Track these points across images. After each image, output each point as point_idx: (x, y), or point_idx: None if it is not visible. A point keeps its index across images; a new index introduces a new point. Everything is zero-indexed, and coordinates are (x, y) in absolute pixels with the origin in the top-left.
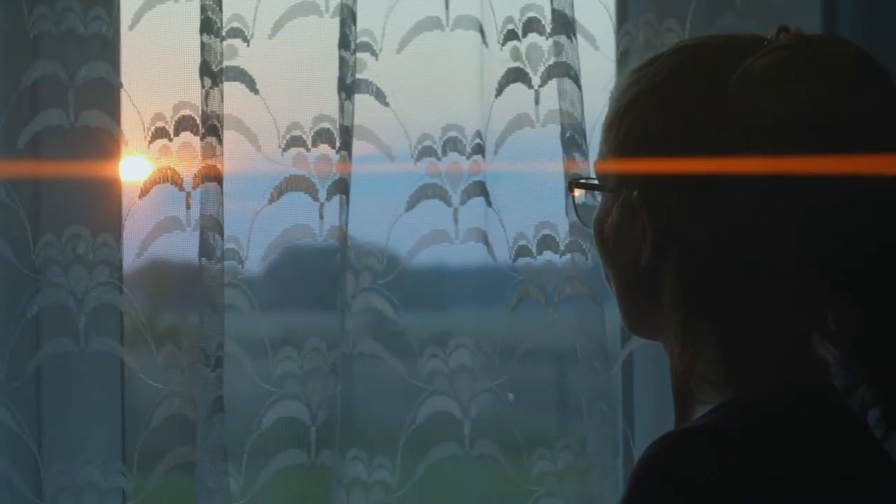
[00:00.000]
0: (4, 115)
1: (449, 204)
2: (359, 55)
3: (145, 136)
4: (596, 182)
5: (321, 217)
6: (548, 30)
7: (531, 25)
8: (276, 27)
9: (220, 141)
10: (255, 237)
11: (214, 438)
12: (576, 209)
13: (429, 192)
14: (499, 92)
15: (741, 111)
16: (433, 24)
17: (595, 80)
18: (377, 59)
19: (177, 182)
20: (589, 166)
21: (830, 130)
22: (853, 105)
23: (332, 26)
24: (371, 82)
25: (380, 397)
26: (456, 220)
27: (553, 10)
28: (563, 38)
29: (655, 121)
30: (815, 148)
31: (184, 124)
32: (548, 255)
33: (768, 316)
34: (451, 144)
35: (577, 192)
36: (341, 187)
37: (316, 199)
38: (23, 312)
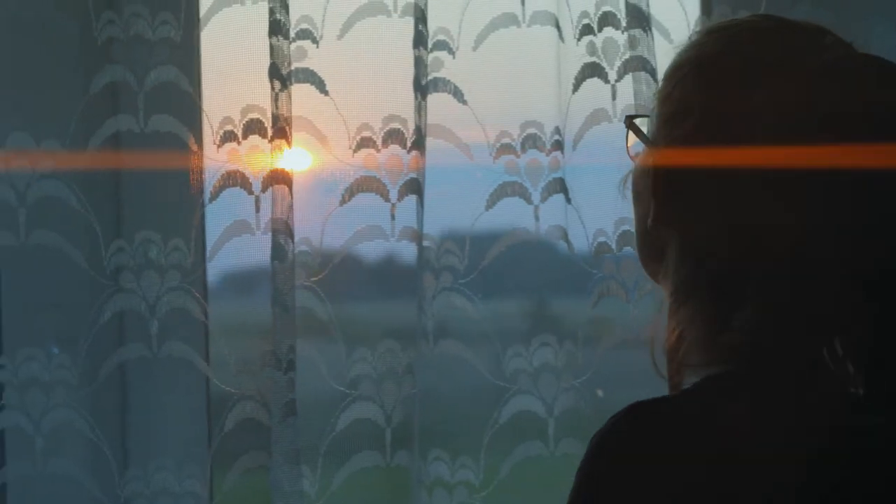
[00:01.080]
0: (74, 121)
1: (529, 201)
2: (435, 53)
3: (214, 140)
4: (642, 131)
5: (393, 217)
6: (623, 24)
7: (607, 19)
8: (345, 28)
9: (289, 143)
10: (328, 238)
11: (288, 442)
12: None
13: (509, 189)
14: (576, 87)
15: (775, 106)
16: (509, 20)
17: None
18: (454, 57)
19: (246, 185)
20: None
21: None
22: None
23: (401, 26)
24: (448, 80)
25: (462, 397)
26: (537, 218)
27: (627, 4)
28: (638, 32)
29: (688, 94)
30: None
31: (252, 127)
32: (628, 251)
33: (760, 306)
34: (531, 141)
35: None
36: (414, 187)
37: (387, 199)
38: (95, 318)
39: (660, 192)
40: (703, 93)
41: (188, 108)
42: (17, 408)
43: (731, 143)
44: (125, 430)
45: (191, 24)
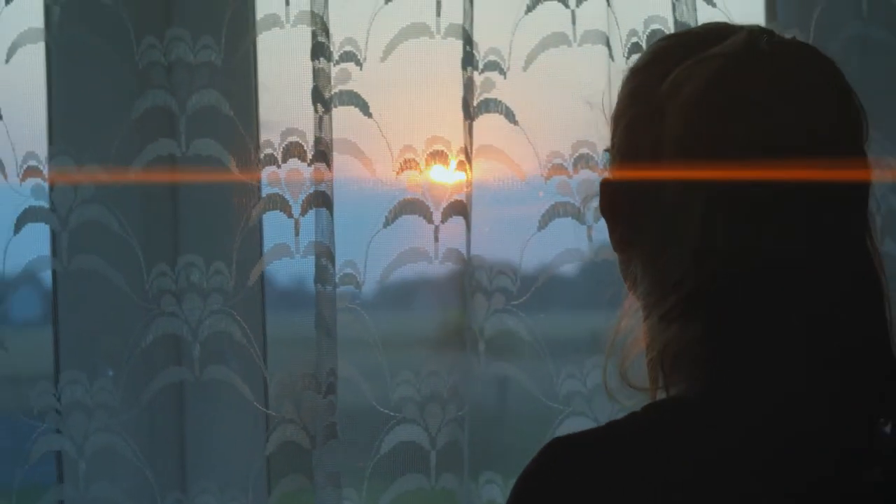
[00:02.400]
0: (115, 146)
1: (582, 222)
2: (486, 74)
3: (255, 163)
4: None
5: (436, 239)
6: None
7: (655, 37)
8: (388, 49)
9: (330, 167)
10: (372, 261)
11: (329, 465)
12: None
13: (560, 210)
14: None
15: (669, 120)
16: (560, 39)
17: None
18: (505, 77)
19: (286, 209)
20: None
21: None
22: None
23: (445, 47)
24: (500, 101)
25: (515, 419)
26: (590, 238)
27: (676, 22)
28: None
29: (618, 109)
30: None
31: (292, 150)
32: None
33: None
34: (583, 161)
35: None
36: (458, 209)
37: (431, 221)
38: (137, 342)
39: (608, 216)
40: (624, 105)
41: (229, 132)
42: (59, 431)
43: (647, 164)
44: (168, 453)
45: (232, 48)
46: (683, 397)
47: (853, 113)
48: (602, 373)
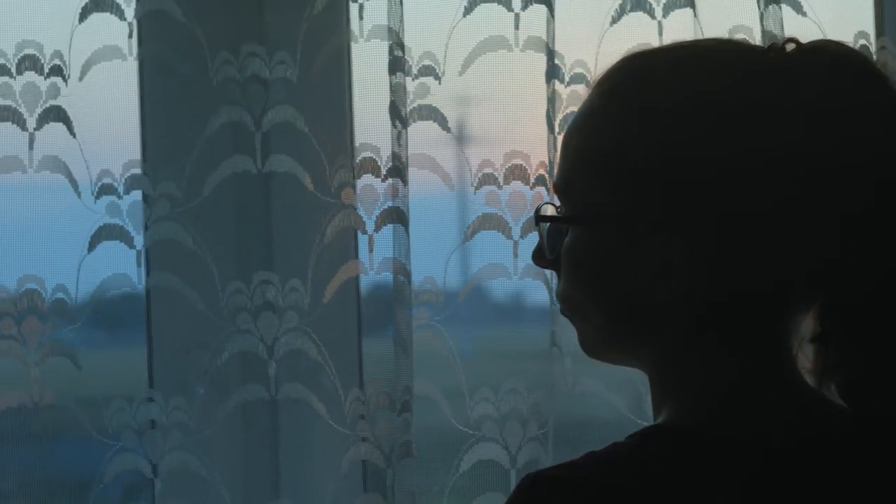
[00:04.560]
0: (190, 163)
1: None
2: (573, 87)
3: (328, 180)
4: (571, 216)
5: (515, 255)
6: None
7: None
8: (467, 63)
9: (405, 182)
10: (451, 277)
11: (405, 484)
12: (543, 240)
13: None
14: None
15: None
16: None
17: None
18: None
19: (359, 225)
20: None
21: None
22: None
23: (525, 60)
24: None
25: (601, 435)
26: None
27: (763, 32)
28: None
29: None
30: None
31: (366, 166)
32: None
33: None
34: None
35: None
36: None
37: (509, 237)
38: (212, 360)
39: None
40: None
41: (305, 148)
42: (135, 450)
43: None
44: (243, 473)
45: (307, 64)
46: (678, 426)
47: None
48: None
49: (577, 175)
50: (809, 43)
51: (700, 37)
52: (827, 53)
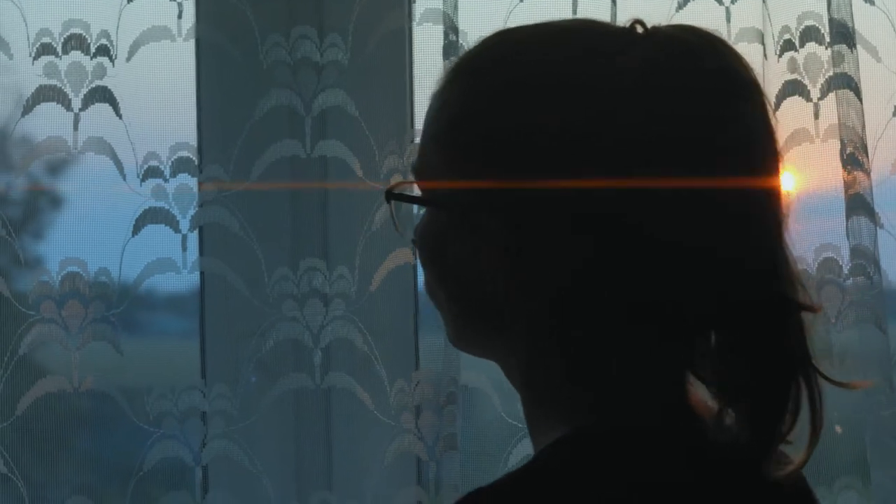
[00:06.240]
0: (238, 146)
1: None
2: None
3: (378, 166)
4: (419, 195)
5: None
6: (827, 39)
7: (809, 34)
8: None
9: None
10: None
11: (449, 477)
12: (393, 218)
13: None
14: (776, 106)
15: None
16: None
17: (877, 93)
18: None
19: None
20: (871, 184)
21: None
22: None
23: None
24: None
25: None
26: None
27: (831, 20)
28: (843, 48)
29: (508, 131)
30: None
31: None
32: (829, 279)
33: (630, 354)
34: None
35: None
36: None
37: None
38: (257, 347)
39: (517, 247)
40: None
41: (355, 134)
42: (176, 438)
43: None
44: (285, 462)
45: (359, 47)
46: (591, 430)
47: None
48: None
49: (424, 154)
50: (665, 27)
51: (767, 24)
52: (673, 39)
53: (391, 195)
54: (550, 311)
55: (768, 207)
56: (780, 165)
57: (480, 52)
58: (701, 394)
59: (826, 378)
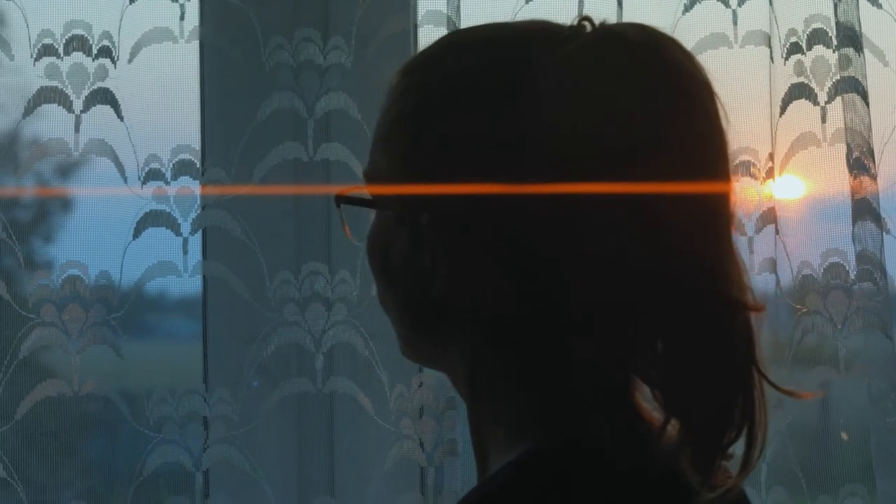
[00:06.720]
0: (240, 149)
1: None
2: None
3: None
4: (369, 199)
5: None
6: (834, 42)
7: (816, 37)
8: None
9: None
10: None
11: (449, 483)
12: (344, 223)
13: None
14: (782, 110)
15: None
16: (719, 40)
17: (883, 97)
18: None
19: None
20: (878, 189)
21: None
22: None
23: None
24: None
25: None
26: (751, 251)
27: (838, 23)
28: (850, 52)
29: (444, 132)
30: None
31: None
32: (836, 285)
33: (575, 363)
34: (744, 168)
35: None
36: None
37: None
38: (258, 352)
39: (459, 254)
40: (460, 124)
41: (358, 137)
42: (177, 443)
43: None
44: (287, 467)
45: (361, 50)
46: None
47: None
48: None
49: (372, 155)
50: (614, 24)
51: (774, 27)
52: (616, 36)
53: (340, 199)
54: (489, 320)
55: (712, 208)
56: (728, 166)
57: (426, 52)
58: (649, 401)
59: (773, 385)
